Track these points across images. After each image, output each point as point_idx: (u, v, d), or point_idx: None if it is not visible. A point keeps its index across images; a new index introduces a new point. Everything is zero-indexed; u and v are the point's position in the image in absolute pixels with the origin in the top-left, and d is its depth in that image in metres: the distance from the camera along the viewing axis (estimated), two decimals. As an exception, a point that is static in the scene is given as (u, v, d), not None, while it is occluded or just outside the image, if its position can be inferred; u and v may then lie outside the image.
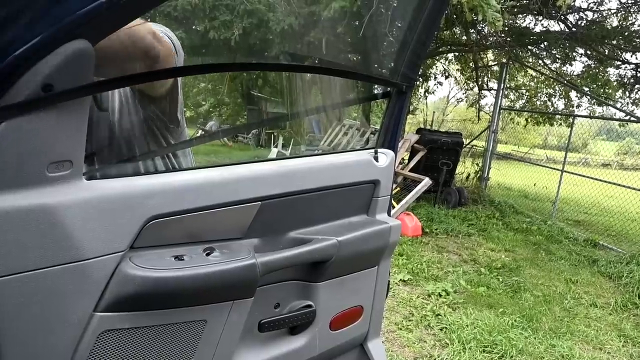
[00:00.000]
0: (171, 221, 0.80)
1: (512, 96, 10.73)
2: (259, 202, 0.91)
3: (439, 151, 6.66)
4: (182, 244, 0.85)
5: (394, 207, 4.92)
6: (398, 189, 5.69)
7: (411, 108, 12.09)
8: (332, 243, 0.99)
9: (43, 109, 0.62)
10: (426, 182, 5.17)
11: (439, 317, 3.20)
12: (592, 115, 9.07)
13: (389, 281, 1.24)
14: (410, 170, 6.06)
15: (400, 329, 2.99)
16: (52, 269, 0.68)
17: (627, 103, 8.93)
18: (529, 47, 8.58)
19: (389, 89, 1.14)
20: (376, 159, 1.12)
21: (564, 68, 9.39)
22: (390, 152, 1.15)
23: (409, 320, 3.12)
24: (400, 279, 3.80)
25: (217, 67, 1.04)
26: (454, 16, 6.09)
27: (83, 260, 0.70)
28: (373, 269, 1.15)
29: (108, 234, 0.73)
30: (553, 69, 9.42)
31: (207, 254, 0.84)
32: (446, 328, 3.05)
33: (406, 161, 6.56)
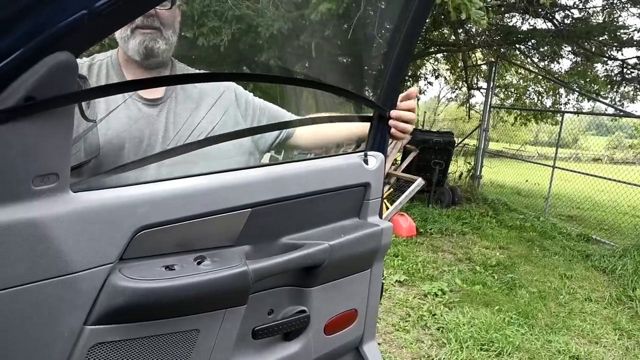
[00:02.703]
0: (161, 231, 0.80)
1: (501, 95, 10.81)
2: (249, 209, 0.90)
3: (431, 151, 6.69)
4: (172, 253, 0.84)
5: (387, 208, 4.93)
6: (391, 190, 5.69)
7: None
8: (323, 247, 0.98)
9: (27, 122, 0.61)
10: (419, 182, 5.18)
11: (436, 316, 3.21)
12: (581, 111, 9.16)
13: (382, 283, 1.24)
14: (402, 171, 6.08)
15: (398, 330, 2.99)
16: (41, 282, 0.67)
17: (615, 98, 9.03)
18: (517, 45, 8.65)
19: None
20: (366, 161, 1.12)
21: (552, 66, 9.48)
22: (380, 155, 1.15)
23: (406, 321, 3.12)
24: (396, 280, 3.80)
25: (214, 76, 1.05)
26: (442, 17, 6.13)
27: (72, 273, 0.70)
28: (366, 271, 1.14)
29: (97, 246, 0.72)
30: (541, 66, 9.50)
31: (198, 263, 0.83)
32: (443, 327, 3.05)
33: (399, 162, 6.58)
